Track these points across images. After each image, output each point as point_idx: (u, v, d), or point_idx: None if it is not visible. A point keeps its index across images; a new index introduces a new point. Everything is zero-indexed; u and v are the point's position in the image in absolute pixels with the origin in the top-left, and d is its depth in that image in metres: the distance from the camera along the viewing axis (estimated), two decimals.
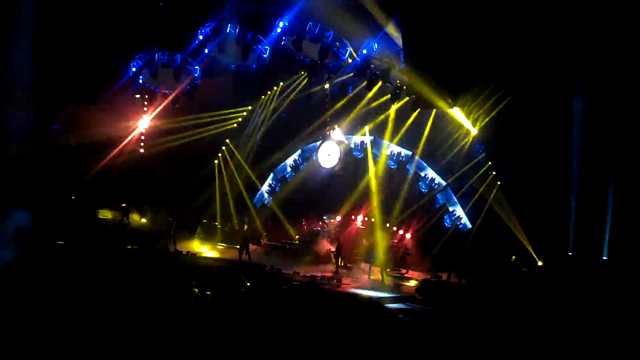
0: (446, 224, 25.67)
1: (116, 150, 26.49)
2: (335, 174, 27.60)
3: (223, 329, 12.25)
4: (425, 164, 26.73)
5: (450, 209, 25.90)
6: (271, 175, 29.60)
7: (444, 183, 26.25)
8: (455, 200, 25.84)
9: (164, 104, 26.78)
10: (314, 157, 27.75)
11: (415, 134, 26.27)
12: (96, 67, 24.52)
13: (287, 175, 29.50)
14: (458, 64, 10.39)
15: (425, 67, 11.81)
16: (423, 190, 26.56)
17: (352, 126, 27.69)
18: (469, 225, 24.95)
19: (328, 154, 27.12)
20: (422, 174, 26.79)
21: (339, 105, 27.12)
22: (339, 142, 27.07)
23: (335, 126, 27.14)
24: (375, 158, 27.14)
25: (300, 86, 27.50)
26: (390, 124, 26.62)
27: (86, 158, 24.99)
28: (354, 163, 27.80)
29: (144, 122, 27.63)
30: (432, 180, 26.57)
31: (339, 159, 26.94)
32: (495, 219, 23.67)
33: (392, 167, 27.17)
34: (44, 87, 23.38)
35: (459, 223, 25.41)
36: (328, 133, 27.16)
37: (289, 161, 29.54)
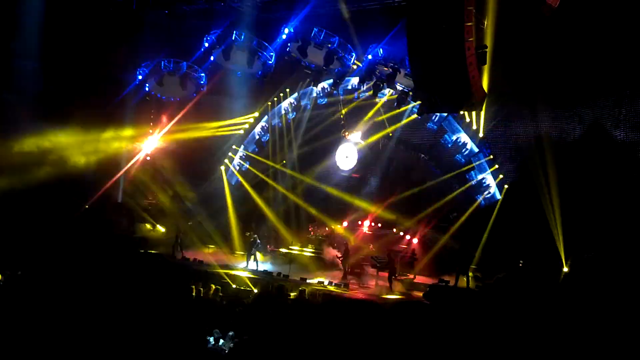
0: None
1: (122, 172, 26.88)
2: (352, 177, 27.44)
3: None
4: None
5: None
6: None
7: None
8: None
9: (170, 125, 27.09)
10: (332, 161, 27.40)
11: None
12: (103, 75, 24.72)
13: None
14: (462, 71, 10.43)
15: (430, 72, 11.86)
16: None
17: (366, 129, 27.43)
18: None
19: (346, 156, 26.73)
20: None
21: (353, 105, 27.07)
22: (357, 144, 26.73)
23: (352, 129, 26.88)
24: None
25: (314, 93, 27.36)
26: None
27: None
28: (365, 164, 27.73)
29: (150, 142, 27.95)
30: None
31: (357, 160, 26.63)
32: (503, 222, 23.54)
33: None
34: (51, 96, 23.64)
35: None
36: (344, 135, 26.91)
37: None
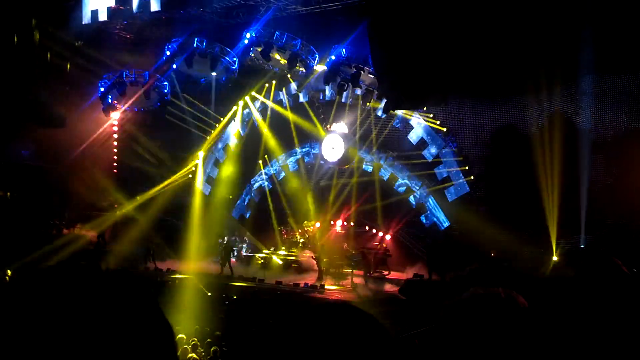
0: (425, 223, 25.49)
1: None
2: (340, 168, 26.93)
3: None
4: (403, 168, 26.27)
5: (427, 207, 25.63)
6: (247, 186, 29.41)
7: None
8: (432, 200, 25.51)
9: None
10: (317, 152, 26.88)
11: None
12: (63, 89, 24.35)
13: (263, 185, 29.23)
14: (423, 69, 10.57)
15: (392, 72, 11.98)
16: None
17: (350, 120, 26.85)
18: (446, 224, 24.86)
19: (332, 147, 25.88)
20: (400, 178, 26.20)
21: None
22: (343, 134, 25.97)
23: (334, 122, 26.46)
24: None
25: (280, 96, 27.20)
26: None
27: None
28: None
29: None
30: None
31: (345, 151, 25.74)
32: (472, 214, 23.84)
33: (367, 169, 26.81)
34: (11, 113, 23.17)
35: (434, 220, 25.24)
36: (327, 128, 26.57)
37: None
